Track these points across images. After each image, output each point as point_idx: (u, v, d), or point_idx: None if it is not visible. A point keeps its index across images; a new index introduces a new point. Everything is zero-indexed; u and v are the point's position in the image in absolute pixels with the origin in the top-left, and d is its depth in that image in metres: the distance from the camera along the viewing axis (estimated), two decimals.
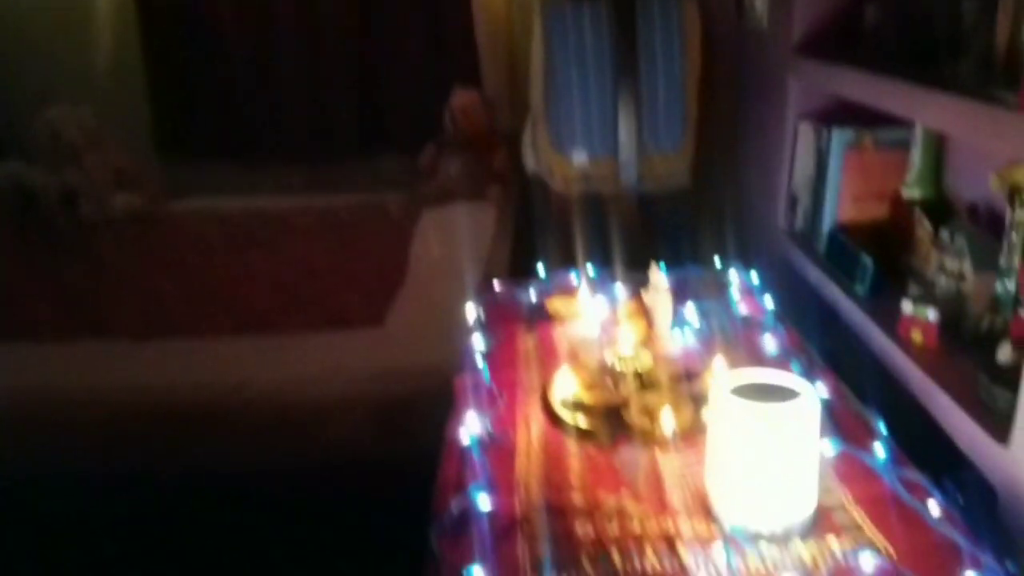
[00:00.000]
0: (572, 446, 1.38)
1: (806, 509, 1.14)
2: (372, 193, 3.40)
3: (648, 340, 1.73)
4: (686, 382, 1.50)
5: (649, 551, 1.10)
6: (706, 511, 1.19)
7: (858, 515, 1.16)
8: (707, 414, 1.40)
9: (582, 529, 1.15)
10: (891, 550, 1.09)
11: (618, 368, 1.55)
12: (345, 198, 3.34)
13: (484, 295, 2.03)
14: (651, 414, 1.42)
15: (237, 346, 2.18)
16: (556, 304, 1.92)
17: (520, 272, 2.22)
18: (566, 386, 1.49)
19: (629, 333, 1.63)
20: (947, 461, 1.37)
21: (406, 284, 2.57)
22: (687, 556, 1.09)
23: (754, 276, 2.02)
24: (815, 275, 2.05)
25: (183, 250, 2.87)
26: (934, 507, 1.16)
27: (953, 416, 1.40)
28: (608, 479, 1.28)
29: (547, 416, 1.47)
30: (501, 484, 1.27)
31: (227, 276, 2.63)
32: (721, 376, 1.47)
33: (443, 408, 1.76)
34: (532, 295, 2.03)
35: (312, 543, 1.96)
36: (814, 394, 1.11)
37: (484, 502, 1.22)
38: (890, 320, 1.70)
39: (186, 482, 1.95)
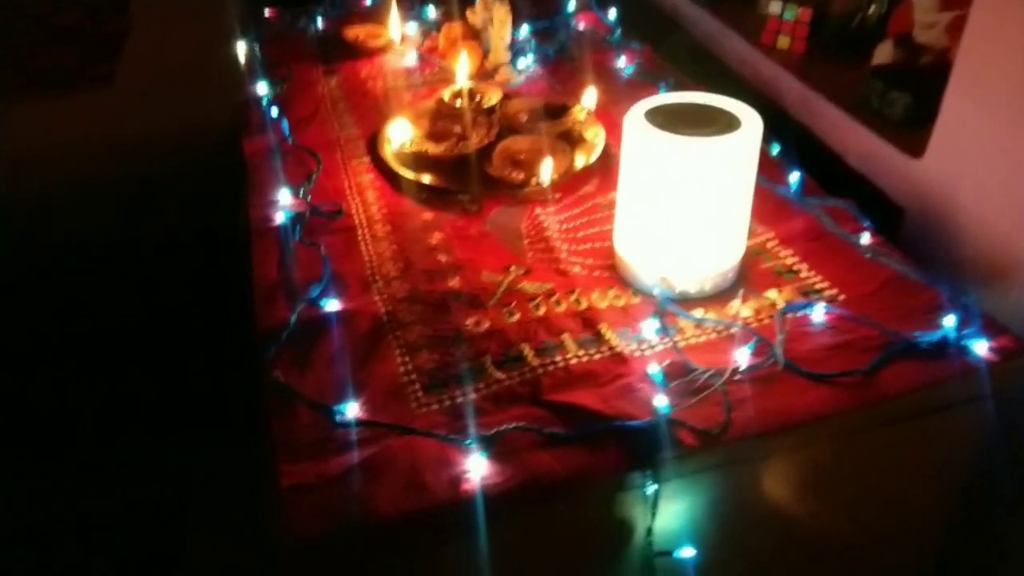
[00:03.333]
0: (426, 214, 1.06)
1: (735, 260, 0.92)
2: None
3: (484, 71, 1.38)
4: (547, 120, 1.20)
5: (567, 339, 0.85)
6: (617, 277, 0.94)
7: (791, 258, 0.97)
8: (592, 156, 1.13)
9: (473, 324, 0.87)
10: (839, 295, 0.91)
11: (459, 108, 1.21)
12: None
13: (254, 30, 1.54)
14: (519, 164, 1.11)
15: None
16: (357, 32, 1.49)
17: None
18: (402, 138, 1.14)
19: (464, 63, 1.27)
20: (837, 182, 1.21)
21: (134, 31, 1.96)
22: (614, 338, 0.85)
23: None
24: None
25: None
26: (867, 238, 0.99)
27: (846, 130, 1.23)
28: (485, 252, 0.99)
29: (383, 179, 1.12)
30: (348, 277, 0.94)
31: None
32: (592, 106, 1.19)
33: (213, 180, 1.35)
34: (320, 24, 1.57)
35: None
36: (756, 120, 0.86)
37: (333, 306, 0.90)
38: (748, 26, 1.47)
39: None
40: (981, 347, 0.83)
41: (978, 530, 1.01)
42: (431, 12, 1.60)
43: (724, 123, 0.85)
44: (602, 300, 0.91)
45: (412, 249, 0.99)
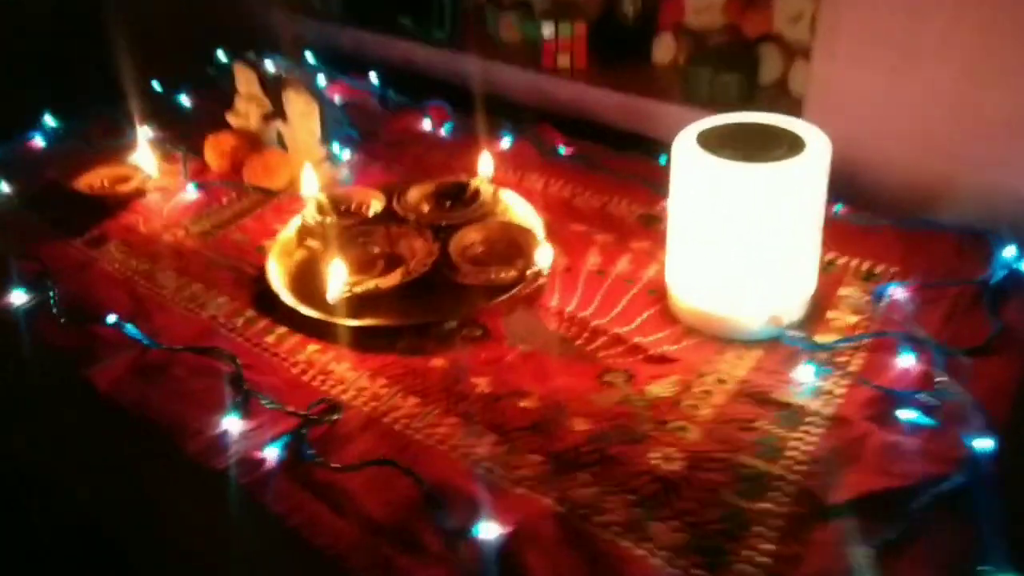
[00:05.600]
0: (434, 362, 0.80)
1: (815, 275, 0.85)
2: None
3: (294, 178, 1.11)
4: (461, 204, 1.00)
5: (768, 426, 0.70)
6: (709, 337, 0.81)
7: None
8: (540, 229, 0.96)
9: (664, 460, 0.68)
10: (888, 267, 0.90)
11: (330, 223, 0.95)
12: None
13: None
14: (481, 262, 0.90)
15: None
16: (91, 181, 1.10)
17: None
18: (338, 281, 0.85)
19: (311, 173, 0.99)
20: None
21: None
22: (805, 401, 0.73)
23: (310, 58, 1.46)
24: (353, 38, 1.57)
25: None
26: (844, 209, 0.99)
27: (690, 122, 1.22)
28: (557, 374, 0.78)
29: (331, 344, 0.83)
30: (448, 486, 0.67)
31: None
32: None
33: None
34: (13, 189, 1.13)
35: None
36: (816, 132, 0.79)
37: (490, 530, 0.63)
38: (496, 53, 1.41)
39: None
40: None
41: None
42: (145, 133, 1.24)
43: (787, 142, 0.77)
44: (735, 368, 0.77)
45: (472, 409, 0.74)
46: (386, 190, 1.01)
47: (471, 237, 0.92)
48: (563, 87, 1.35)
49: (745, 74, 1.23)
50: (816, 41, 1.08)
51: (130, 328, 0.83)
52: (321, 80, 1.37)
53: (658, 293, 0.87)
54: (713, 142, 0.77)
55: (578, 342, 0.82)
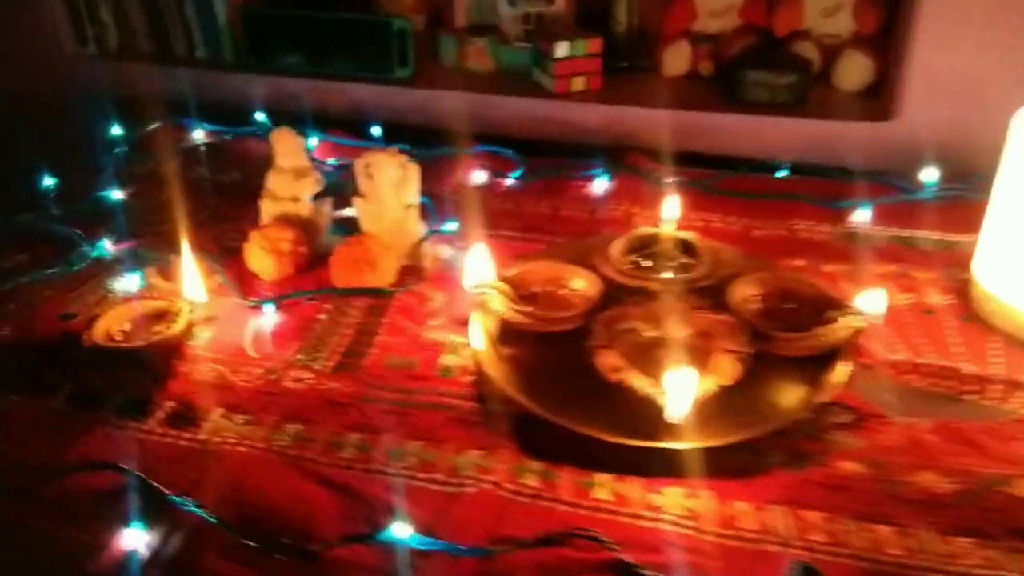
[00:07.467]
0: (848, 466, 0.59)
1: None
2: None
3: (400, 270, 0.82)
4: (661, 259, 0.78)
5: None
6: None
7: None
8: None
9: None
10: None
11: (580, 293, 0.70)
12: None
13: None
14: (783, 321, 0.70)
15: None
16: (107, 329, 0.72)
17: None
18: (684, 396, 0.59)
19: (482, 255, 0.72)
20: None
21: None
22: None
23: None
24: (289, 90, 1.25)
25: None
26: None
27: (760, 133, 1.12)
28: (991, 443, 0.61)
29: (679, 475, 0.58)
30: None
31: None
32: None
33: None
34: None
35: None
36: None
37: None
38: (476, 86, 1.23)
39: None
40: None
41: None
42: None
43: None
44: None
45: (965, 517, 0.55)
46: (567, 257, 0.77)
47: (742, 294, 0.71)
48: (590, 112, 1.18)
49: (802, 72, 1.14)
50: (919, 28, 1.01)
51: (416, 539, 0.52)
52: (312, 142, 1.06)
53: (971, 318, 0.74)
54: None
55: (966, 396, 0.65)
